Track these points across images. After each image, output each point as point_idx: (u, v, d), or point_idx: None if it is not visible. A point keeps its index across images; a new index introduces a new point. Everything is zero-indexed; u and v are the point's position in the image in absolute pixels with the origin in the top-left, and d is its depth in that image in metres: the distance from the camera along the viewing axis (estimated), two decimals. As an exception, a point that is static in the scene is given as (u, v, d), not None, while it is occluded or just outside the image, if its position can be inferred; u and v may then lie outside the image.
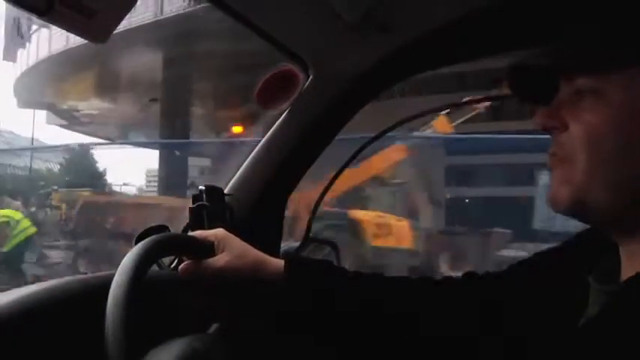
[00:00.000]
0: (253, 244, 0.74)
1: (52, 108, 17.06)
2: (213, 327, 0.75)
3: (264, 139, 1.07)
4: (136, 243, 0.67)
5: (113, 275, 0.60)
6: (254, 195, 1.03)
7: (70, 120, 18.04)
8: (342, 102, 1.04)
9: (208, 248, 0.71)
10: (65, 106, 16.81)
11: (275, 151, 1.04)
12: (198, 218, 0.93)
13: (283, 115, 1.05)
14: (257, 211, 1.02)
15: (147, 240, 0.66)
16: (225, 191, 1.00)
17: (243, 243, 0.72)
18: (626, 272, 0.52)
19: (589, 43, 0.51)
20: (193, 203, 0.95)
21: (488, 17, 0.86)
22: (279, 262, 0.72)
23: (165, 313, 0.72)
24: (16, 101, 16.84)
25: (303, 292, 0.70)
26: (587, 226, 0.61)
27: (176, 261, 0.90)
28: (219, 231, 0.73)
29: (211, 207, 0.94)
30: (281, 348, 0.78)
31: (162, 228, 0.88)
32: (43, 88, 15.28)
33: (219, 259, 0.69)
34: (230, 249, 0.70)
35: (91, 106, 15.97)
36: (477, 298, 0.71)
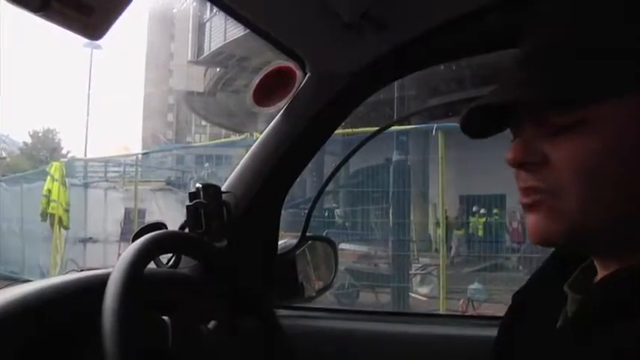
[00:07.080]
0: (251, 241, 0.74)
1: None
2: (212, 324, 0.75)
3: (261, 137, 1.07)
4: (133, 240, 0.67)
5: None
6: (251, 192, 1.02)
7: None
8: (339, 99, 1.04)
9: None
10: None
11: (272, 149, 1.04)
12: (195, 216, 0.93)
13: (280, 113, 1.05)
14: (254, 208, 1.02)
15: (145, 237, 0.66)
16: (223, 189, 1.00)
17: None
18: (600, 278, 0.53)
19: (569, 76, 0.48)
20: (190, 201, 0.94)
21: (485, 15, 0.86)
22: None
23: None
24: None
25: None
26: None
27: (174, 259, 0.90)
28: None
29: (208, 204, 0.94)
30: None
31: (159, 226, 0.88)
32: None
33: None
34: None
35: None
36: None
